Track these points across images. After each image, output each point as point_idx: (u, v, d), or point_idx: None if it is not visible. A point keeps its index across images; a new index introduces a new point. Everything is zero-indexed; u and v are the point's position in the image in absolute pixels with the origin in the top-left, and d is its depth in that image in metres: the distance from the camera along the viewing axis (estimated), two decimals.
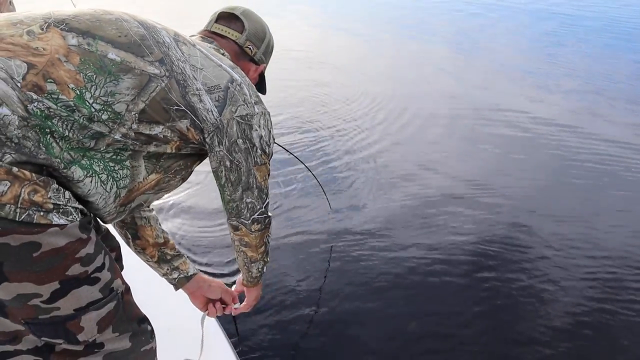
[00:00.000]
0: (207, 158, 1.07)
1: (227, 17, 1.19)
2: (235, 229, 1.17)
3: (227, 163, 1.03)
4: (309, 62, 6.10)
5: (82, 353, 0.90)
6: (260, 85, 1.30)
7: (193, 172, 1.15)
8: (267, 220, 1.19)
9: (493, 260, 2.47)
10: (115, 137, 0.86)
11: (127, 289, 0.99)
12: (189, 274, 1.34)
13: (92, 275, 0.85)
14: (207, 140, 0.99)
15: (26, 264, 0.77)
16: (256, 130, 1.03)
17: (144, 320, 1.04)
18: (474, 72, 5.86)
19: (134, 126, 0.87)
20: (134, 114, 0.87)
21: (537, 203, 2.98)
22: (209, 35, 1.17)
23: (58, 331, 0.86)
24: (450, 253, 2.53)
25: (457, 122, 4.29)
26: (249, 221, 1.15)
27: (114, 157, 0.88)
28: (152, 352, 1.05)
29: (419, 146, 3.76)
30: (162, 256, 1.31)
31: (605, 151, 3.68)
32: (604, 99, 4.90)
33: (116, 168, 0.89)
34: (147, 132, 0.89)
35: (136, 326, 0.99)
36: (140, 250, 1.29)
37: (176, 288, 1.34)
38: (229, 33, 1.17)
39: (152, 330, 1.06)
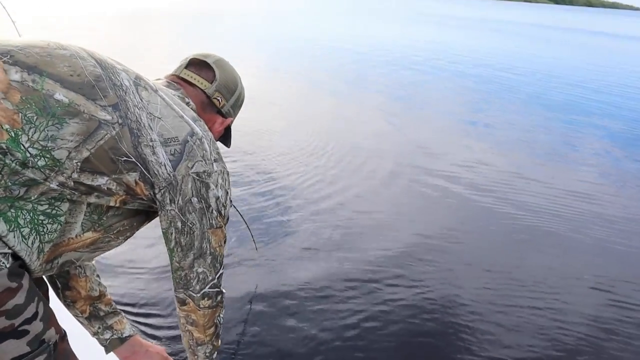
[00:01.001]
0: (157, 217, 0.97)
1: (199, 64, 1.11)
2: (182, 303, 1.05)
3: (179, 224, 0.95)
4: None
5: None
6: (225, 138, 1.22)
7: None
8: (219, 297, 1.08)
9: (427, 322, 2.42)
10: (51, 185, 0.78)
11: (63, 337, 0.90)
12: (124, 335, 1.22)
13: (19, 329, 0.77)
14: (158, 196, 0.90)
15: None
16: (213, 189, 0.96)
17: None
18: (414, 126, 6.05)
19: (74, 175, 0.79)
20: (76, 162, 0.79)
21: (468, 257, 2.96)
22: (177, 80, 1.09)
23: None
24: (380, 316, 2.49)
25: (394, 176, 4.28)
26: (198, 294, 1.03)
27: (47, 209, 0.79)
28: None
29: (352, 201, 3.72)
30: (95, 312, 1.20)
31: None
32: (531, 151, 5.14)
33: (45, 222, 0.80)
34: (89, 182, 0.81)
35: None
36: (70, 303, 1.18)
37: (107, 351, 1.22)
38: (198, 81, 1.09)
39: None
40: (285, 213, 3.36)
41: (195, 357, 1.16)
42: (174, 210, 0.93)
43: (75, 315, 1.19)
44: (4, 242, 0.76)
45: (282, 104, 6.71)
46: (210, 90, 1.10)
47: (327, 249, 2.88)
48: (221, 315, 1.13)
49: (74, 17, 12.29)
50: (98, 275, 1.21)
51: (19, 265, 0.79)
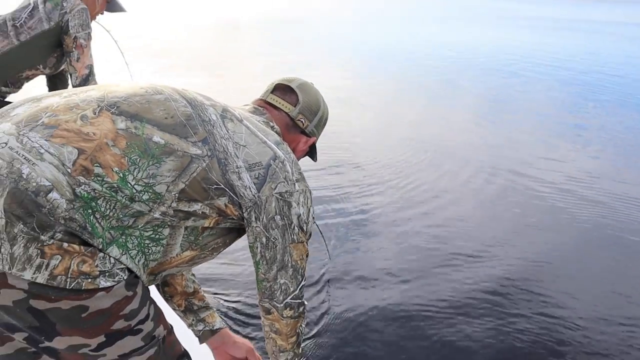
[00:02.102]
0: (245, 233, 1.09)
1: (283, 89, 1.23)
2: (267, 312, 1.14)
3: (264, 239, 1.04)
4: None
5: None
6: (311, 154, 1.34)
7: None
8: (301, 308, 1.15)
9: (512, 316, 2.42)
10: (155, 215, 0.91)
11: (170, 331, 1.06)
12: (214, 327, 1.36)
13: (135, 328, 0.93)
14: (245, 215, 1.02)
15: (75, 323, 0.86)
16: (295, 207, 1.05)
17: (183, 356, 1.11)
18: (512, 134, 5.76)
19: (173, 204, 0.92)
20: (174, 194, 0.91)
21: (554, 268, 2.88)
22: (263, 105, 1.21)
23: None
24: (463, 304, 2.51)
25: (491, 192, 4.16)
26: (281, 304, 1.11)
27: (152, 234, 0.93)
28: None
29: (432, 205, 3.71)
30: (189, 306, 1.35)
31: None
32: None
33: (150, 245, 0.93)
34: (186, 209, 0.94)
35: None
36: (169, 298, 1.34)
37: (200, 341, 1.37)
38: (282, 105, 1.21)
39: None
40: (370, 228, 3.34)
41: None
42: (259, 227, 1.03)
43: (173, 309, 1.36)
44: (120, 262, 0.90)
45: (374, 109, 6.71)
46: (294, 113, 1.21)
47: (414, 271, 2.80)
48: (303, 325, 1.20)
49: (174, 30, 13.18)
50: (193, 274, 1.37)
51: (134, 276, 0.94)
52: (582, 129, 5.99)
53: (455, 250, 3.05)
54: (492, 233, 3.33)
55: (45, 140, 0.85)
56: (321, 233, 2.78)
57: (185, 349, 1.12)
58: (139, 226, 0.91)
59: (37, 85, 2.31)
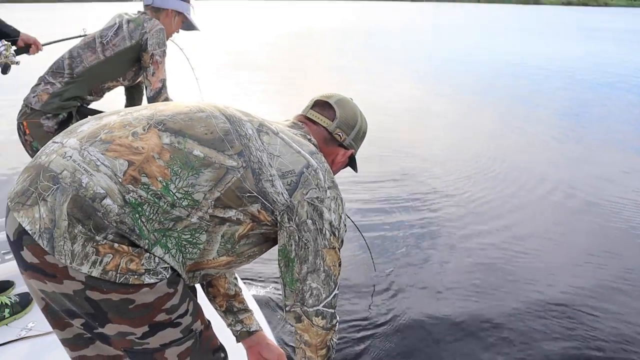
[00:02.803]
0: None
1: (322, 105, 1.31)
2: (297, 320, 1.16)
3: (297, 237, 1.10)
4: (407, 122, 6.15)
5: None
6: (352, 165, 1.40)
7: None
8: (333, 319, 1.16)
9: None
10: (192, 220, 1.01)
11: (207, 326, 1.16)
12: (251, 329, 1.45)
13: (175, 321, 1.04)
14: (278, 218, 1.08)
15: (124, 313, 0.97)
16: (326, 213, 1.11)
17: (219, 349, 1.19)
18: (592, 151, 5.52)
19: (210, 211, 1.02)
20: (210, 201, 1.01)
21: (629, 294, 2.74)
22: (303, 120, 1.30)
23: (147, 359, 1.06)
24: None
25: (555, 197, 4.08)
26: (312, 310, 1.13)
27: (189, 238, 1.02)
28: None
29: (510, 235, 3.57)
30: (230, 307, 1.44)
31: None
32: None
33: (187, 247, 1.03)
34: (221, 215, 1.03)
35: (211, 355, 1.16)
36: (212, 298, 1.44)
37: (237, 340, 1.47)
38: (320, 120, 1.29)
39: (225, 356, 1.21)
40: (437, 241, 3.35)
41: None
42: (292, 226, 1.09)
43: (215, 308, 1.46)
44: (164, 260, 1.01)
45: (448, 120, 6.66)
46: (332, 127, 1.29)
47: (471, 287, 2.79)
48: (334, 340, 1.21)
49: (246, 45, 13.65)
50: (236, 278, 1.48)
51: (176, 275, 1.05)
52: None
53: (525, 268, 3.00)
54: (565, 253, 3.22)
55: (102, 154, 0.98)
56: (367, 244, 2.80)
57: (221, 343, 1.21)
58: (178, 229, 1.01)
59: (117, 95, 2.57)
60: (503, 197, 4.19)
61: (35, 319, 1.98)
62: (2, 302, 1.97)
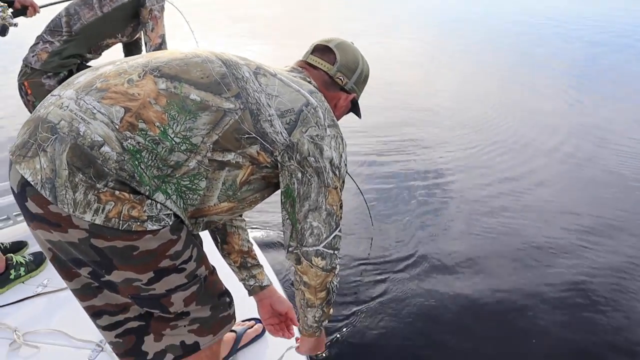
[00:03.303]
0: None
1: (322, 49, 1.28)
2: (297, 261, 1.15)
3: (299, 175, 1.08)
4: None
5: (173, 319, 1.12)
6: (354, 109, 1.37)
7: None
8: (333, 261, 1.15)
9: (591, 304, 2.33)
10: (191, 165, 1.01)
11: (212, 271, 1.18)
12: (263, 284, 1.48)
13: (179, 266, 1.06)
14: (279, 158, 1.07)
15: (128, 260, 0.99)
16: (327, 151, 1.09)
17: (224, 293, 1.22)
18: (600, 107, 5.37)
19: (208, 154, 1.01)
20: (209, 145, 1.01)
21: None
22: (303, 65, 1.27)
23: (154, 304, 1.08)
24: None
25: (567, 154, 3.99)
26: (312, 249, 1.12)
27: (189, 184, 1.02)
28: (229, 317, 1.23)
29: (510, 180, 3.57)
30: (244, 263, 1.46)
31: None
32: None
33: (187, 193, 1.03)
34: (220, 158, 1.03)
35: (216, 300, 1.18)
36: (226, 254, 1.46)
37: (250, 294, 1.49)
38: (321, 64, 1.26)
39: (230, 301, 1.24)
40: (445, 202, 3.31)
41: (305, 318, 1.27)
42: (293, 164, 1.08)
43: (229, 264, 1.48)
44: (166, 207, 1.01)
45: (457, 74, 6.58)
46: (333, 71, 1.26)
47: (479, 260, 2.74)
48: (334, 282, 1.20)
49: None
50: (248, 234, 1.48)
51: (179, 221, 1.05)
52: None
53: (535, 236, 2.95)
54: (579, 222, 3.15)
55: (97, 102, 0.97)
56: (361, 192, 2.77)
57: (226, 288, 1.24)
58: (177, 175, 1.01)
59: (115, 52, 2.53)
60: (512, 152, 4.14)
61: (49, 276, 2.03)
62: (17, 261, 2.01)
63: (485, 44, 8.77)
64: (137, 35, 2.41)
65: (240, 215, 1.48)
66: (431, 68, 6.92)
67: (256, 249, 1.56)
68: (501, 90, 6.00)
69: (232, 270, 1.49)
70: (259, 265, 1.50)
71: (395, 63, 7.04)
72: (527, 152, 4.13)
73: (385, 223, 3.02)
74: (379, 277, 2.53)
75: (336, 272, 1.18)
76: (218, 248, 1.48)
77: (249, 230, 1.51)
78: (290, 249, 1.16)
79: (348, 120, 1.41)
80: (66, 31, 2.20)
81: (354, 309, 2.29)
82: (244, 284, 1.50)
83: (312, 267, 1.14)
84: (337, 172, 1.12)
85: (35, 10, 2.31)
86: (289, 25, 9.61)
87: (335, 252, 1.15)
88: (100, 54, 2.35)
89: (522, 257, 2.74)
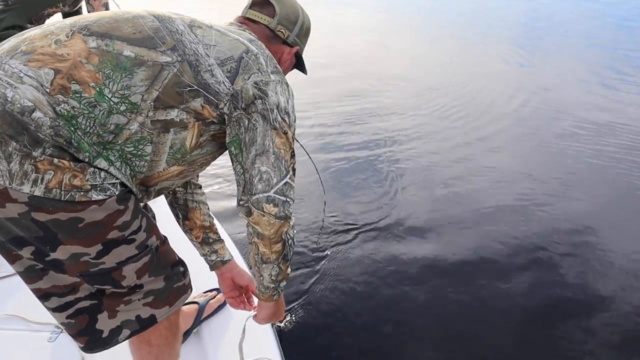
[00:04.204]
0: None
1: (260, 3, 1.23)
2: (248, 213, 1.07)
3: (245, 122, 1.04)
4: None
5: (126, 294, 1.09)
6: (299, 65, 1.34)
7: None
8: (286, 207, 1.07)
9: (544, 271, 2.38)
10: (133, 128, 0.96)
11: (163, 241, 1.14)
12: (225, 259, 1.46)
13: (128, 237, 1.02)
14: (225, 110, 1.03)
15: (74, 233, 0.94)
16: (272, 96, 1.05)
17: (177, 263, 1.18)
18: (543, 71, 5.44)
19: (150, 114, 0.96)
20: (150, 103, 0.96)
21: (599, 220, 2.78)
22: (243, 21, 1.22)
23: (105, 280, 1.04)
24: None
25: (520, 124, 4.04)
26: (262, 196, 1.04)
27: (133, 150, 0.98)
28: (185, 287, 1.20)
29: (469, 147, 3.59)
30: (206, 239, 1.43)
31: None
32: None
33: (134, 159, 0.99)
34: (163, 117, 0.98)
35: (169, 270, 1.15)
36: (188, 230, 1.43)
37: (211, 269, 1.47)
38: (260, 18, 1.22)
39: (185, 271, 1.20)
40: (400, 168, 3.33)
41: (261, 278, 1.18)
42: (239, 112, 1.04)
43: (191, 240, 1.45)
44: (111, 174, 0.97)
45: (412, 48, 6.57)
46: (273, 24, 1.22)
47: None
48: (290, 234, 1.12)
49: None
50: (209, 209, 1.45)
51: (127, 191, 1.00)
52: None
53: (491, 199, 3.00)
54: (533, 184, 3.21)
55: (24, 65, 0.91)
56: (314, 164, 2.78)
57: (179, 258, 1.20)
58: (119, 142, 0.96)
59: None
60: (468, 116, 4.20)
61: (1, 261, 1.94)
62: None
63: (443, 17, 8.79)
64: (78, 5, 2.30)
65: (200, 188, 1.44)
66: (385, 38, 6.89)
67: (216, 223, 1.52)
68: (456, 57, 6.04)
69: (194, 245, 1.46)
70: (220, 240, 1.47)
71: (350, 32, 6.99)
72: (482, 117, 4.20)
73: (339, 191, 3.03)
74: (335, 242, 2.55)
75: (291, 223, 1.11)
76: (180, 224, 1.44)
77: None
78: (241, 202, 1.08)
79: (302, 92, 1.37)
80: (1, 1, 2.06)
81: (312, 277, 2.29)
82: (206, 259, 1.47)
83: (264, 216, 1.05)
84: (285, 118, 1.07)
85: None
86: None
87: (288, 199, 1.08)
88: (41, 25, 2.23)
89: (476, 220, 2.79)
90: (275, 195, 1.05)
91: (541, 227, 2.73)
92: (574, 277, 2.35)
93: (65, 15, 2.40)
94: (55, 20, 1.08)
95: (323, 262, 2.39)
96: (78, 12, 2.39)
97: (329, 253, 2.46)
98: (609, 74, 5.58)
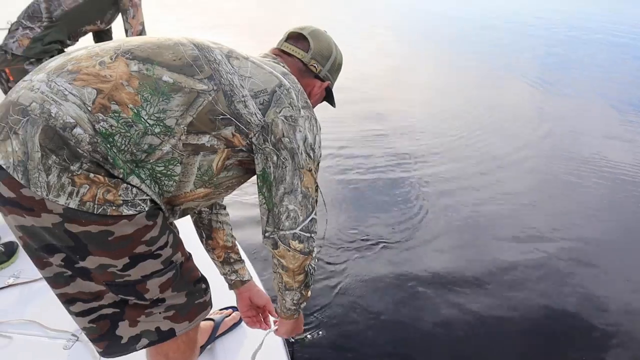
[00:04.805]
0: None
1: (296, 37, 1.28)
2: (274, 245, 1.13)
3: (274, 158, 1.07)
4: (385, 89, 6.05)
5: (148, 306, 1.11)
6: (329, 99, 1.38)
7: None
8: (310, 243, 1.14)
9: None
10: (165, 149, 0.99)
11: (188, 258, 1.17)
12: (244, 279, 1.49)
13: (155, 252, 1.04)
14: (254, 140, 1.06)
15: (104, 245, 0.97)
16: (300, 132, 1.08)
17: (200, 280, 1.21)
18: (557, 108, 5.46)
19: (183, 137, 1.00)
20: (183, 127, 1.00)
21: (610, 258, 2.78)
22: (278, 53, 1.27)
23: (130, 291, 1.07)
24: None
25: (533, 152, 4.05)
26: (289, 232, 1.10)
27: (163, 170, 1.02)
28: (205, 304, 1.22)
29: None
30: (227, 258, 1.46)
31: None
32: None
33: (162, 179, 1.03)
34: (195, 142, 1.02)
35: (192, 286, 1.17)
36: (211, 249, 1.46)
37: (230, 288, 1.50)
38: (295, 52, 1.26)
39: (206, 288, 1.23)
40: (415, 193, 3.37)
41: (284, 301, 1.27)
42: (268, 147, 1.07)
43: (213, 259, 1.48)
44: (142, 191, 1.00)
45: (431, 73, 6.66)
46: (307, 59, 1.27)
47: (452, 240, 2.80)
48: (312, 265, 1.20)
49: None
50: (232, 230, 1.49)
51: (156, 207, 1.04)
52: None
53: (511, 224, 3.03)
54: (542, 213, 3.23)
55: (69, 83, 0.96)
56: (321, 194, 2.81)
57: (202, 275, 1.23)
58: (151, 161, 1.00)
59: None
60: (484, 142, 4.21)
61: (22, 267, 1.99)
62: None
63: (462, 43, 8.86)
64: (111, 24, 2.40)
65: (224, 209, 1.48)
66: (406, 63, 6.96)
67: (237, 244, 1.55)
68: (480, 84, 6.07)
69: (215, 264, 1.49)
70: (241, 261, 1.50)
71: (367, 62, 7.10)
72: (505, 144, 4.20)
73: (359, 209, 3.08)
74: (351, 258, 2.58)
75: (314, 255, 1.18)
76: (203, 243, 1.47)
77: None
78: (266, 234, 1.14)
79: (321, 109, 1.41)
80: (46, 17, 2.17)
81: (332, 291, 2.31)
82: (226, 278, 1.50)
83: (289, 251, 1.13)
84: (311, 154, 1.11)
85: None
86: (260, 23, 9.54)
87: (312, 235, 1.14)
88: (77, 40, 2.33)
89: (497, 243, 2.81)
90: (301, 233, 1.11)
91: (563, 253, 2.75)
92: (595, 300, 2.37)
93: (95, 34, 2.50)
94: (100, 43, 1.12)
95: (338, 278, 2.41)
96: (108, 31, 2.48)
97: (344, 269, 2.48)
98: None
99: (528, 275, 2.52)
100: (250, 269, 1.74)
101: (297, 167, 1.09)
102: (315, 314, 2.15)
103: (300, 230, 1.11)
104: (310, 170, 1.11)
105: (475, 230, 2.95)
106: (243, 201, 2.98)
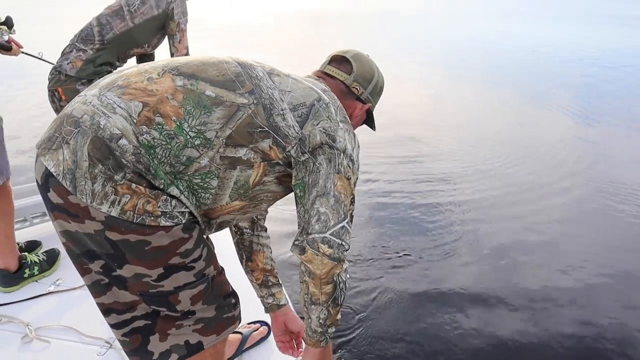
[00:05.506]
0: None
1: (339, 60, 1.32)
2: (302, 250, 1.08)
3: (310, 164, 1.08)
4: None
5: (179, 318, 1.13)
6: (369, 122, 1.41)
7: None
8: (341, 249, 1.07)
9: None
10: (203, 162, 1.03)
11: (220, 272, 1.19)
12: (281, 303, 1.50)
13: (188, 264, 1.07)
14: (292, 153, 1.08)
15: (140, 254, 1.01)
16: (340, 142, 1.10)
17: (230, 295, 1.22)
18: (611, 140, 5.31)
19: (221, 150, 1.04)
20: (222, 140, 1.03)
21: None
22: (321, 75, 1.31)
23: (162, 302, 1.10)
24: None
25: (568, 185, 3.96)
26: (318, 236, 1.06)
27: (200, 182, 1.05)
28: (234, 318, 1.23)
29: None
30: (265, 281, 1.49)
31: None
32: None
33: (199, 191, 1.06)
34: (232, 154, 1.05)
35: (222, 300, 1.19)
36: (249, 271, 1.49)
37: (266, 311, 1.52)
38: (337, 74, 1.30)
39: (236, 303, 1.24)
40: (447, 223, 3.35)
41: (309, 320, 1.17)
42: (306, 155, 1.09)
43: (251, 281, 1.51)
44: (181, 202, 1.04)
45: (463, 104, 6.60)
46: (349, 81, 1.30)
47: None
48: (342, 277, 1.11)
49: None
50: (271, 252, 1.51)
51: (193, 220, 1.08)
52: None
53: (537, 255, 2.98)
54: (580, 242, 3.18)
55: (118, 97, 1.02)
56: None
57: (233, 290, 1.25)
58: (189, 173, 1.04)
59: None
60: (520, 166, 4.15)
61: (62, 275, 2.08)
62: (31, 260, 2.07)
63: (493, 74, 8.78)
64: (157, 47, 2.53)
65: (265, 231, 1.50)
66: (438, 98, 6.96)
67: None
68: (517, 111, 6.00)
69: (253, 286, 1.51)
70: (279, 284, 1.52)
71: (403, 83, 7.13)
72: (547, 173, 4.13)
73: (392, 229, 3.10)
74: (383, 278, 2.60)
75: (344, 267, 1.10)
76: (242, 265, 1.50)
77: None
78: (296, 242, 1.10)
79: (364, 134, 1.44)
80: (99, 40, 2.32)
81: (361, 319, 2.30)
82: (262, 301, 1.52)
83: (317, 255, 1.06)
84: (350, 164, 1.11)
85: (17, 52, 2.29)
86: (297, 53, 9.75)
87: (344, 243, 1.08)
88: (126, 62, 2.47)
89: (534, 270, 2.78)
90: (331, 237, 1.07)
91: (600, 286, 2.70)
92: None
93: (139, 58, 2.62)
94: (147, 63, 1.20)
95: (370, 295, 2.44)
96: (151, 55, 2.60)
97: (375, 287, 2.51)
98: None
99: (560, 303, 2.49)
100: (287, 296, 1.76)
101: (332, 170, 1.08)
102: (346, 344, 2.15)
103: (330, 234, 1.07)
104: (349, 179, 1.10)
105: (510, 256, 2.91)
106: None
